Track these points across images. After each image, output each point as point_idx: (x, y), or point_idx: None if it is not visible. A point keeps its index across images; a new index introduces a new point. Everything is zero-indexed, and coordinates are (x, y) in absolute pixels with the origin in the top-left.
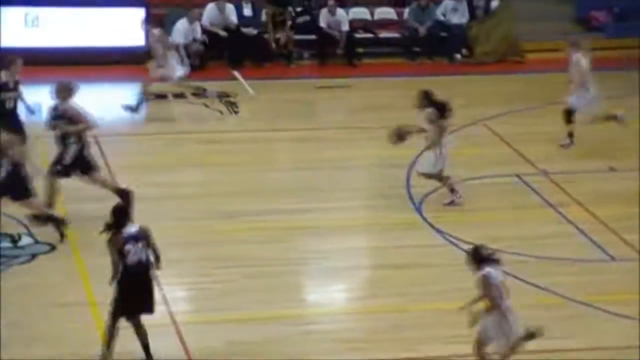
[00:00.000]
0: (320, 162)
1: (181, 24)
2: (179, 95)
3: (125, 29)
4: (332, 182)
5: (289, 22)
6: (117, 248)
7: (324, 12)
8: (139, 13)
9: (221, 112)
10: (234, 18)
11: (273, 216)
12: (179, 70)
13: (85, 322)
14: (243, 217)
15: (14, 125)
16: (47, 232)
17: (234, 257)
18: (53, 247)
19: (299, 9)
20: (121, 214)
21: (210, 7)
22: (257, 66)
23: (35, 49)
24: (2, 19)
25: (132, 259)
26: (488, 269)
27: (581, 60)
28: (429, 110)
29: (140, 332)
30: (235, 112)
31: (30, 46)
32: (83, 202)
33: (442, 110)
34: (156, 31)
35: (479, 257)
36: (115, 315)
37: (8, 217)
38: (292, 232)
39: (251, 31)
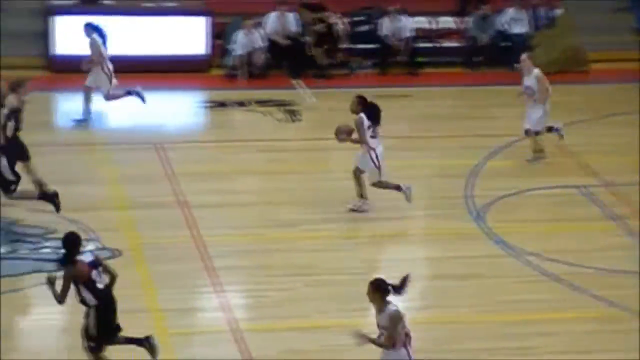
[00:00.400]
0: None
1: (239, 35)
2: (240, 104)
3: (189, 37)
4: (391, 191)
5: (341, 28)
6: (84, 276)
7: (386, 20)
8: (203, 22)
9: (281, 121)
10: (295, 27)
11: (332, 225)
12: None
13: (147, 329)
14: (302, 226)
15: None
16: (114, 239)
17: (293, 266)
18: (119, 253)
19: (359, 18)
20: (75, 243)
21: (272, 16)
22: (317, 75)
23: None
24: (68, 27)
25: (100, 284)
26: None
27: (539, 75)
28: (361, 115)
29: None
30: (295, 121)
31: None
32: (149, 208)
33: (375, 116)
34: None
35: (384, 290)
36: (102, 343)
37: (74, 223)
38: (351, 241)
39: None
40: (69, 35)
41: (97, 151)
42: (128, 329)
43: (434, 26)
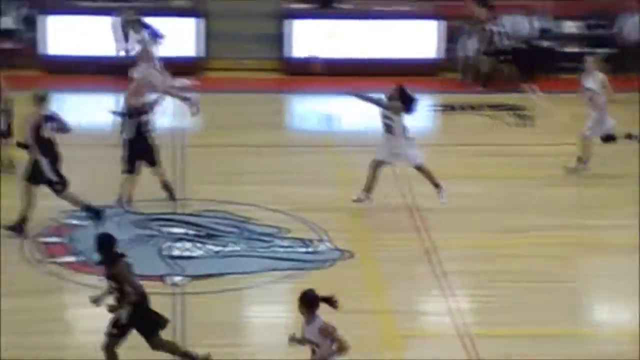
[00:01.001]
0: (602, 179)
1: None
2: (470, 108)
3: (421, 41)
4: (617, 199)
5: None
6: (128, 274)
7: (631, 20)
8: (435, 26)
9: (510, 125)
10: (527, 30)
11: (559, 232)
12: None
13: (376, 330)
14: (529, 232)
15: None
16: (344, 240)
17: (520, 272)
18: (349, 255)
19: (594, 21)
20: (110, 242)
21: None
22: (548, 79)
23: (332, 60)
24: (304, 30)
25: (138, 281)
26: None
27: (605, 80)
28: (396, 102)
29: (171, 347)
30: (526, 125)
31: (327, 57)
32: (379, 210)
33: (409, 106)
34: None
35: (311, 303)
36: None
37: (306, 223)
38: (578, 249)
39: (541, 43)
40: (304, 39)
41: (329, 153)
42: (357, 329)
43: None
